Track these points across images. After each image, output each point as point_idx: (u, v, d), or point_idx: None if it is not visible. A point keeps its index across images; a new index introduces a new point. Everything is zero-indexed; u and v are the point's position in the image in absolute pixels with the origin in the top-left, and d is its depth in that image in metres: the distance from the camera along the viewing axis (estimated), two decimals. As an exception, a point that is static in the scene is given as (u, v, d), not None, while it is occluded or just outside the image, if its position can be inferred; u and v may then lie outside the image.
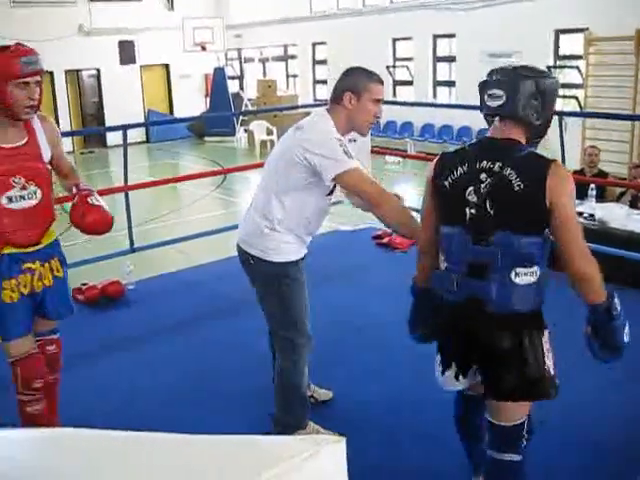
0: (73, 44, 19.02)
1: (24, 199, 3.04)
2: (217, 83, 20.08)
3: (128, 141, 6.05)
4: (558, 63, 13.45)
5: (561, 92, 13.31)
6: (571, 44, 13.30)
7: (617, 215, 6.10)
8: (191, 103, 21.08)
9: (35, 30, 17.96)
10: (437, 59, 16.16)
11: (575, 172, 7.52)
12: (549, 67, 12.96)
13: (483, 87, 2.50)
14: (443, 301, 2.54)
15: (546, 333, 2.46)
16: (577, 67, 12.90)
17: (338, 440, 0.76)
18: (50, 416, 3.38)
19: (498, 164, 2.34)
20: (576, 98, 12.61)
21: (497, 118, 2.46)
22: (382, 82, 3.18)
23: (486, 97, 2.45)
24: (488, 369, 2.48)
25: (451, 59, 15.80)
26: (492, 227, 2.34)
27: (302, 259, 3.30)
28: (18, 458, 0.83)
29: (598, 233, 5.94)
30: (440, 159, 2.55)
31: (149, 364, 4.55)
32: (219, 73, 20.14)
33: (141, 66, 20.72)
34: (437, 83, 16.40)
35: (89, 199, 3.24)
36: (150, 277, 6.38)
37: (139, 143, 19.28)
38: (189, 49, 19.64)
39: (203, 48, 19.73)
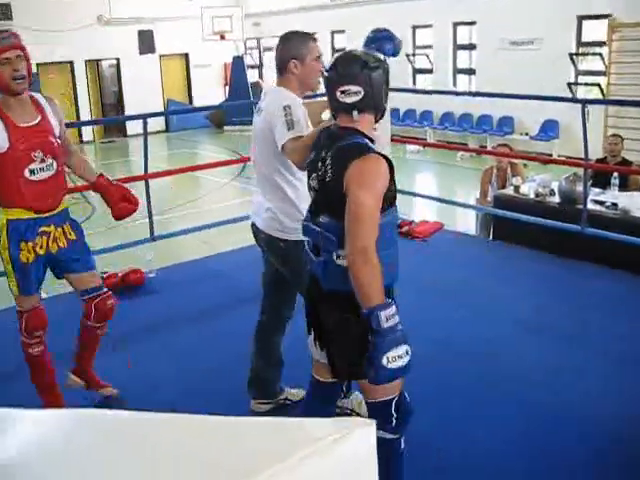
0: (92, 34, 19.10)
1: (43, 171, 3.44)
2: (236, 72, 20.08)
3: (148, 130, 6.06)
4: (580, 50, 13.30)
5: (583, 80, 13.19)
6: (594, 30, 13.14)
7: (640, 204, 6.04)
8: (210, 92, 21.09)
9: (55, 20, 18.11)
10: (457, 47, 16.06)
11: (597, 160, 7.44)
12: (571, 54, 12.83)
13: (331, 83, 2.50)
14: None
15: None
16: (600, 54, 12.74)
17: (369, 423, 0.75)
18: (87, 363, 3.92)
19: (329, 154, 2.46)
20: (598, 85, 12.47)
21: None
22: (316, 40, 3.34)
23: (338, 93, 2.46)
24: (324, 344, 2.63)
25: (471, 47, 15.69)
26: (319, 210, 2.53)
27: (302, 242, 3.32)
28: (45, 437, 0.83)
29: (621, 222, 5.88)
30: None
31: (170, 353, 4.57)
32: (238, 62, 20.14)
33: (160, 55, 20.76)
34: (457, 71, 16.30)
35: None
36: (170, 265, 6.40)
37: (158, 132, 19.34)
38: (208, 38, 19.63)
39: (222, 37, 19.72)
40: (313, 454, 0.67)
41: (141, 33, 20.25)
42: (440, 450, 2.60)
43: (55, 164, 3.48)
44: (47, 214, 3.49)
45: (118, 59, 20.17)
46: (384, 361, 2.24)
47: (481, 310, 4.46)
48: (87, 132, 19.61)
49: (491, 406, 3.65)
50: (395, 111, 11.22)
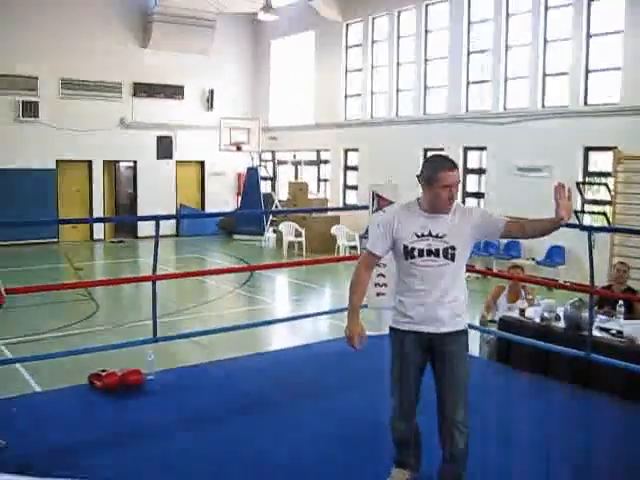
0: (113, 135, 19.69)
1: None
2: (250, 182, 20.48)
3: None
4: (587, 179, 13.58)
5: (589, 208, 13.39)
6: (600, 161, 13.46)
7: (646, 333, 6.00)
8: (223, 200, 21.50)
9: (77, 120, 18.77)
10: (467, 170, 16.40)
11: (603, 288, 7.46)
12: (578, 183, 13.09)
13: None
14: None
15: None
16: (606, 184, 13.00)
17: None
18: None
19: None
20: (604, 214, 12.65)
21: None
22: (452, 168, 3.69)
23: None
24: None
25: (481, 171, 16.03)
26: None
27: (405, 332, 3.78)
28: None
29: (626, 350, 5.83)
30: None
31: (160, 459, 4.47)
32: (252, 173, 20.58)
33: (177, 161, 21.27)
34: (466, 194, 16.59)
35: None
36: (170, 369, 6.34)
37: (169, 236, 19.57)
38: (225, 148, 20.15)
39: (238, 148, 20.24)
40: None
41: (160, 138, 20.82)
42: None
43: None
44: None
45: (135, 162, 20.67)
46: None
47: (484, 434, 4.38)
48: (98, 231, 19.87)
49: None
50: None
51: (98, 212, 19.79)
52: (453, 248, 3.69)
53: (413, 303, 3.74)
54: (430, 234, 3.69)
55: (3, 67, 17.90)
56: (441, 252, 3.68)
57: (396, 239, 3.74)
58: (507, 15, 14.90)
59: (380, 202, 7.29)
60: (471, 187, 16.50)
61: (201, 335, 6.98)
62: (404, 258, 3.73)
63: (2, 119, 18.16)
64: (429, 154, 17.07)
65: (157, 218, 6.24)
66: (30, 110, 18.43)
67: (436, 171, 3.66)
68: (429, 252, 3.68)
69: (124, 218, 22.97)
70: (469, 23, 15.85)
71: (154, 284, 6.06)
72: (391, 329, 3.89)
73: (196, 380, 6.06)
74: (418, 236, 3.70)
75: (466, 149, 16.06)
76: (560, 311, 6.58)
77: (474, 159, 16.30)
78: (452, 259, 3.69)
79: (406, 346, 3.79)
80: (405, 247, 3.71)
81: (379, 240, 3.82)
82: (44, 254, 16.77)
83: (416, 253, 3.69)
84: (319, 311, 9.31)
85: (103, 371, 5.72)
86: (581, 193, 13.17)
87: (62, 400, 5.55)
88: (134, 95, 20.28)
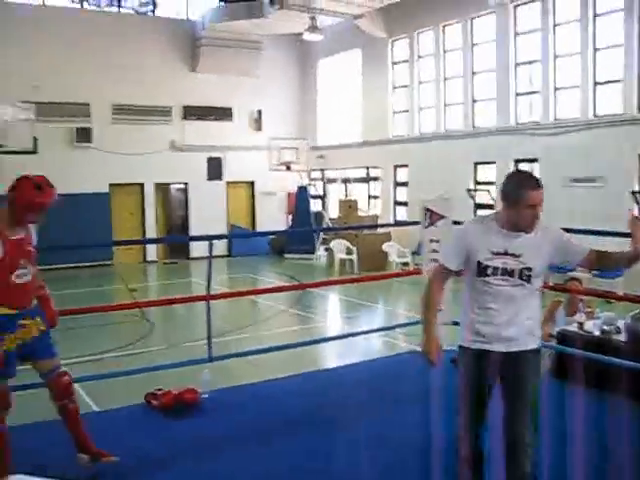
0: (164, 159, 20.02)
1: (25, 276, 4.14)
2: (300, 202, 20.56)
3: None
4: (643, 189, 13.27)
5: (647, 218, 13.05)
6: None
7: None
8: (273, 220, 21.61)
9: (129, 144, 19.15)
10: (519, 183, 16.20)
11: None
12: (634, 192, 12.80)
13: None
14: None
15: None
16: (663, 192, 12.69)
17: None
18: (81, 437, 4.41)
19: None
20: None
21: None
22: (536, 187, 3.54)
23: None
24: None
25: (533, 183, 15.80)
26: None
27: (476, 351, 3.67)
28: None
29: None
30: None
31: (217, 477, 4.48)
32: (302, 192, 20.66)
33: (227, 182, 21.49)
34: (518, 206, 16.38)
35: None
36: (225, 387, 6.36)
37: (221, 256, 19.71)
38: (274, 168, 20.29)
39: (288, 167, 20.36)
40: None
41: (210, 160, 21.09)
42: None
43: (32, 269, 4.19)
44: (24, 310, 4.17)
45: (186, 184, 20.95)
46: None
47: (547, 451, 4.29)
48: (152, 252, 20.19)
49: None
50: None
51: (151, 234, 20.10)
52: (529, 269, 3.57)
53: (485, 321, 3.64)
54: (506, 252, 3.58)
55: (59, 95, 18.36)
56: (516, 273, 3.56)
57: (469, 254, 3.65)
58: (554, 25, 14.74)
59: (432, 217, 7.22)
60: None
61: (255, 354, 6.99)
62: (477, 275, 3.64)
63: (59, 145, 18.62)
64: (478, 168, 16.96)
65: (211, 238, 6.30)
66: (84, 136, 18.90)
67: (521, 190, 3.53)
68: (504, 271, 3.57)
69: (177, 238, 23.29)
70: (515, 34, 15.72)
71: (208, 304, 6.11)
72: (460, 347, 3.79)
73: (251, 399, 6.07)
74: (494, 253, 3.59)
75: (517, 161, 15.85)
76: (620, 324, 6.41)
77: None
78: (528, 281, 3.58)
79: (476, 365, 3.69)
80: (479, 263, 3.61)
81: (452, 254, 3.75)
82: (99, 276, 17.07)
83: (490, 271, 3.60)
84: (372, 329, 9.26)
85: (159, 390, 5.78)
86: (637, 202, 12.88)
87: (119, 419, 5.62)
88: (184, 118, 20.62)
